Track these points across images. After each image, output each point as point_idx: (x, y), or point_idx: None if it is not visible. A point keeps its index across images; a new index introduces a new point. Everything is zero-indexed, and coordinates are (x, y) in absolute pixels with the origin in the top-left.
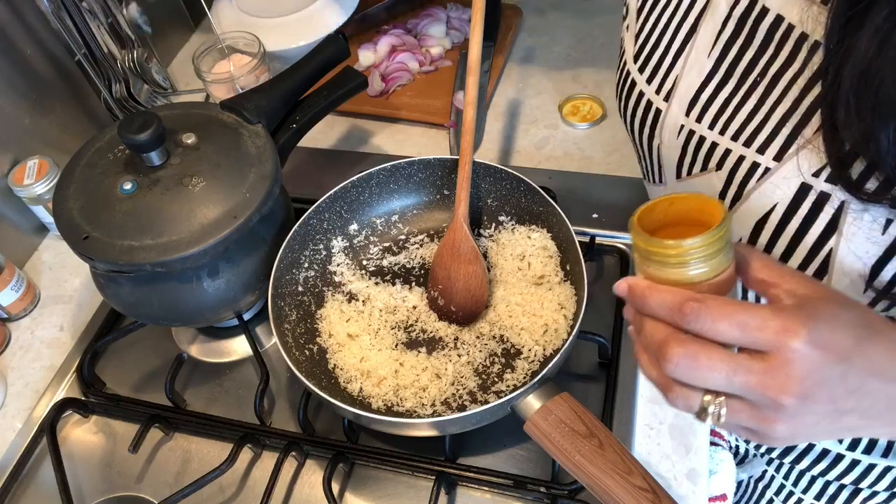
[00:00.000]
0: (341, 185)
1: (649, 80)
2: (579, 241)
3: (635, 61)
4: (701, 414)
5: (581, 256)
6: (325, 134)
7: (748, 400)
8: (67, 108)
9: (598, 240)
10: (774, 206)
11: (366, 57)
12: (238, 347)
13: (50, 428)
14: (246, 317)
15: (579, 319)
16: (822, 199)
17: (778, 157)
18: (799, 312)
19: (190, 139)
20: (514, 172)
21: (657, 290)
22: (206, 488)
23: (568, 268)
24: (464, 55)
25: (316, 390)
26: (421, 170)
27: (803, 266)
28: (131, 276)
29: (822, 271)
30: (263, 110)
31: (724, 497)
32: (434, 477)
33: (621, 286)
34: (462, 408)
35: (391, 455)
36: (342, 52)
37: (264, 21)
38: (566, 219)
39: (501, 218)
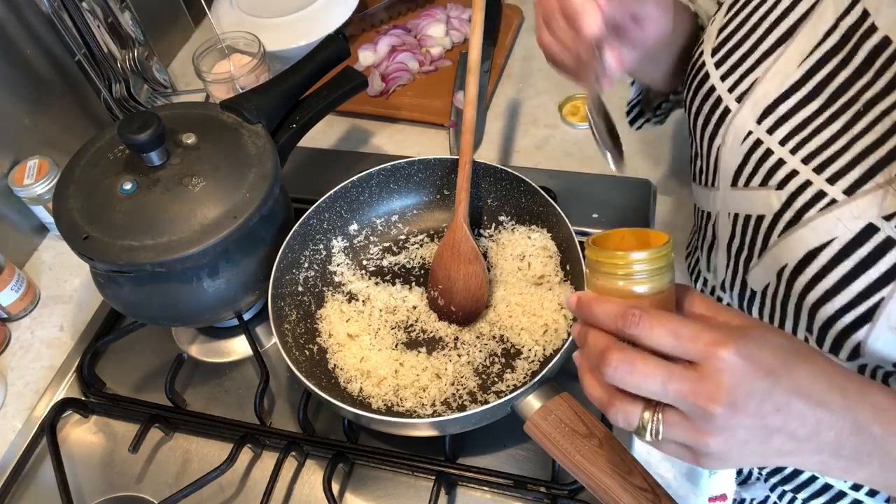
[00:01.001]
0: (341, 185)
1: (724, 77)
2: (579, 241)
3: (713, 55)
4: (640, 430)
5: (581, 256)
6: (325, 134)
7: (682, 412)
8: (67, 108)
9: None
10: (832, 240)
11: (366, 57)
12: (238, 347)
13: (50, 428)
14: (246, 317)
15: None
16: (888, 244)
17: (849, 192)
18: (731, 330)
19: (190, 139)
20: (514, 172)
21: (603, 300)
22: (206, 488)
23: (568, 268)
24: (464, 55)
25: (316, 390)
26: (421, 170)
27: (847, 308)
28: (131, 276)
29: (866, 318)
30: (263, 110)
31: (723, 497)
32: (434, 477)
33: (571, 300)
34: (462, 408)
35: (391, 455)
36: (342, 52)
37: (264, 21)
38: (566, 219)
39: (501, 218)
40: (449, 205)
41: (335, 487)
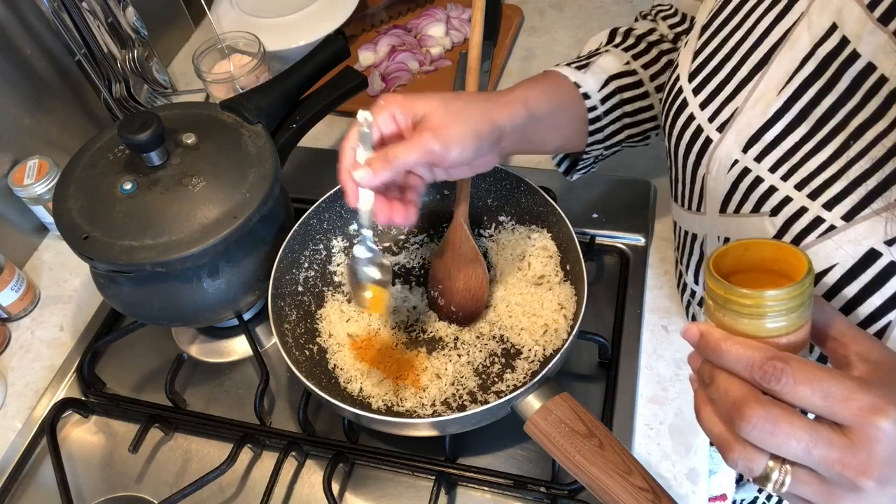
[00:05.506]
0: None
1: (703, 106)
2: (579, 241)
3: (690, 80)
4: (763, 479)
5: (581, 256)
6: (325, 134)
7: (818, 473)
8: (67, 108)
9: (598, 240)
10: (833, 266)
11: (366, 57)
12: (238, 347)
13: (50, 428)
14: (246, 317)
15: (579, 319)
16: (892, 269)
17: (848, 217)
18: (886, 389)
19: (190, 139)
20: (514, 172)
21: (736, 343)
22: (206, 488)
23: (568, 268)
24: (464, 55)
25: (316, 390)
26: None
27: None
28: (131, 276)
29: None
30: (263, 110)
31: (723, 497)
32: (434, 477)
33: (692, 331)
34: (462, 408)
35: (391, 455)
36: (342, 52)
37: (264, 21)
38: (566, 219)
39: (501, 218)
40: (449, 205)
41: (335, 487)
